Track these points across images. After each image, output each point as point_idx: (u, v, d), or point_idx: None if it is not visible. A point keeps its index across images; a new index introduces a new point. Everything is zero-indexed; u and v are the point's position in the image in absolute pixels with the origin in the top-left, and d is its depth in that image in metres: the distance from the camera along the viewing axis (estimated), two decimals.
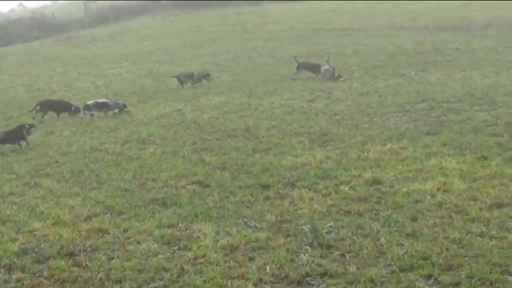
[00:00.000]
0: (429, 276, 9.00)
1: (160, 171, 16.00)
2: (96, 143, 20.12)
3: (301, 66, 28.75)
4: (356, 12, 46.71)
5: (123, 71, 35.12)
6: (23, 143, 21.06)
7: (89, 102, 25.79)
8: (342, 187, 13.39)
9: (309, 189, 13.45)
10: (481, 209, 11.37)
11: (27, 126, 21.99)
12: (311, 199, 12.81)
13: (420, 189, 12.66)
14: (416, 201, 12.11)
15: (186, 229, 11.87)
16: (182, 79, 26.69)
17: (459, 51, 29.43)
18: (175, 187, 14.62)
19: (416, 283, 8.84)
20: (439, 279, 8.87)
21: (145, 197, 14.10)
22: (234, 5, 53.96)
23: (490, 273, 8.83)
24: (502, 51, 28.87)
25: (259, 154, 16.74)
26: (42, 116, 25.59)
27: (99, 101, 26.10)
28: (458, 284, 8.69)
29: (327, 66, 27.90)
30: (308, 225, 11.30)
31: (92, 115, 25.02)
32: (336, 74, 27.11)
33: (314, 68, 28.23)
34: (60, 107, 25.84)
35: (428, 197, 12.26)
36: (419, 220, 11.09)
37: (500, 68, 25.33)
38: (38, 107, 25.91)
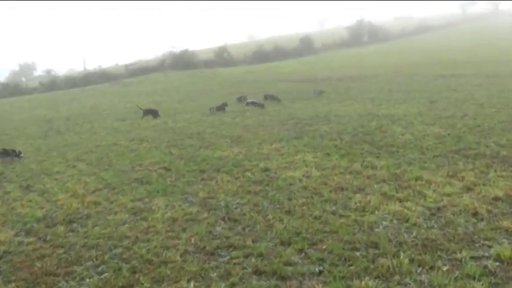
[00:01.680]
0: (301, 251, 5.96)
1: (145, 159, 12.78)
2: (115, 140, 16.70)
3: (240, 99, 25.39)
4: (260, 72, 43.86)
5: (141, 99, 31.66)
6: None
7: (249, 100, 23.53)
8: (246, 173, 10.29)
9: (227, 174, 10.35)
10: (330, 191, 8.41)
11: (226, 103, 22.40)
12: (228, 181, 9.73)
13: (293, 176, 9.64)
14: (290, 184, 9.10)
15: (149, 202, 8.66)
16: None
17: (310, 92, 26.47)
18: (151, 170, 11.41)
19: (292, 257, 5.80)
20: (308, 254, 5.84)
21: (132, 176, 10.88)
22: (199, 67, 50.92)
23: (343, 249, 5.85)
24: (330, 92, 26.39)
25: (202, 149, 13.59)
26: (142, 118, 21.81)
27: (252, 100, 23.52)
28: (322, 259, 5.69)
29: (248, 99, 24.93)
30: (223, 202, 8.18)
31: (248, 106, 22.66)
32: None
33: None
34: (152, 112, 22.25)
35: (298, 181, 9.26)
36: (293, 200, 8.09)
37: (330, 101, 22.75)
38: (143, 112, 22.23)
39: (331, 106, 21.13)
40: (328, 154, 11.56)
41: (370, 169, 9.73)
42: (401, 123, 15.38)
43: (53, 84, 49.93)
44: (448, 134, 12.92)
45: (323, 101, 22.92)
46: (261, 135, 15.23)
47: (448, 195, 7.64)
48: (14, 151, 14.76)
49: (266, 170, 10.45)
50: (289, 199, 8.12)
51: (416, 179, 8.63)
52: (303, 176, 9.65)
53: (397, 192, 7.98)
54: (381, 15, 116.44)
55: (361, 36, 73.23)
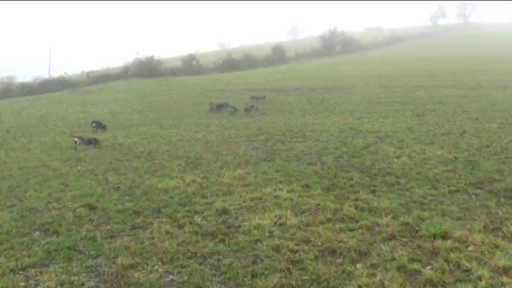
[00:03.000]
0: None
1: (70, 190, 9.60)
2: (48, 159, 13.39)
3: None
4: (229, 81, 40.87)
5: (98, 109, 28.23)
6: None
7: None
8: (196, 217, 7.21)
9: (170, 218, 7.26)
10: (316, 258, 5.42)
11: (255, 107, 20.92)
12: (167, 232, 6.64)
13: (260, 225, 6.58)
14: (256, 241, 6.08)
15: (35, 276, 5.48)
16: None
17: (282, 103, 24.13)
18: (70, 209, 8.23)
19: None
20: None
21: (39, 220, 7.69)
22: (165, 76, 47.46)
23: None
24: (304, 103, 23.63)
25: (148, 175, 10.48)
26: (93, 132, 18.00)
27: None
28: None
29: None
30: (148, 281, 5.08)
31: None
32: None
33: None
34: (101, 125, 18.56)
35: (267, 236, 6.25)
36: (258, 277, 5.02)
37: (305, 112, 19.91)
38: (93, 125, 18.63)
39: (306, 118, 18.37)
40: (308, 186, 8.64)
41: (368, 214, 6.82)
42: (392, 141, 12.67)
43: (7, 92, 45.52)
44: (455, 158, 10.19)
45: (296, 113, 20.13)
46: (223, 155, 12.25)
47: (506, 271, 4.75)
48: (95, 139, 15.25)
49: (224, 212, 7.42)
50: (253, 275, 5.08)
51: (443, 236, 5.71)
52: (275, 224, 6.66)
53: (422, 266, 5.03)
54: (352, 26, 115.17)
55: (333, 46, 70.91)
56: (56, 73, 64.44)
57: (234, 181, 9.38)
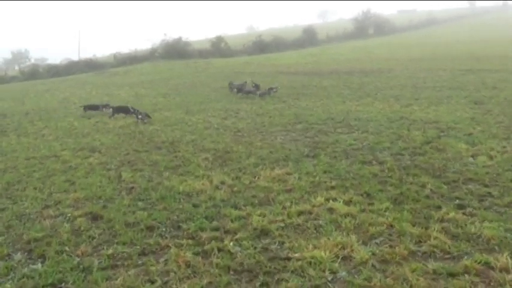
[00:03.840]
0: None
1: (74, 190, 7.87)
2: (60, 148, 11.75)
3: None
4: (259, 63, 38.74)
5: (122, 92, 26.69)
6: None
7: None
8: (227, 240, 5.29)
9: (192, 239, 5.39)
10: None
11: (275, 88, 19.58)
12: (187, 265, 4.75)
13: (316, 258, 4.62)
14: None
15: None
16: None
17: (316, 87, 21.88)
18: (68, 219, 6.49)
19: None
20: None
21: (25, 236, 5.94)
22: (193, 58, 45.69)
23: None
24: (342, 87, 21.47)
25: (168, 172, 8.66)
26: (111, 117, 16.47)
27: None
28: None
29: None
30: None
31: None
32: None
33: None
34: (124, 110, 16.73)
35: (329, 277, 4.31)
36: None
37: (344, 98, 17.83)
38: (110, 110, 17.06)
39: (346, 105, 16.23)
40: (369, 195, 6.63)
41: (468, 246, 4.77)
42: (457, 134, 10.49)
43: (34, 73, 44.51)
44: None
45: (335, 98, 17.97)
46: (257, 148, 10.32)
47: None
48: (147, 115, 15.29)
49: (263, 233, 5.48)
50: None
51: None
52: (337, 257, 4.69)
53: None
54: (384, 8, 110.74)
55: (366, 28, 67.74)
56: (87, 56, 63.52)
57: (272, 184, 7.45)
